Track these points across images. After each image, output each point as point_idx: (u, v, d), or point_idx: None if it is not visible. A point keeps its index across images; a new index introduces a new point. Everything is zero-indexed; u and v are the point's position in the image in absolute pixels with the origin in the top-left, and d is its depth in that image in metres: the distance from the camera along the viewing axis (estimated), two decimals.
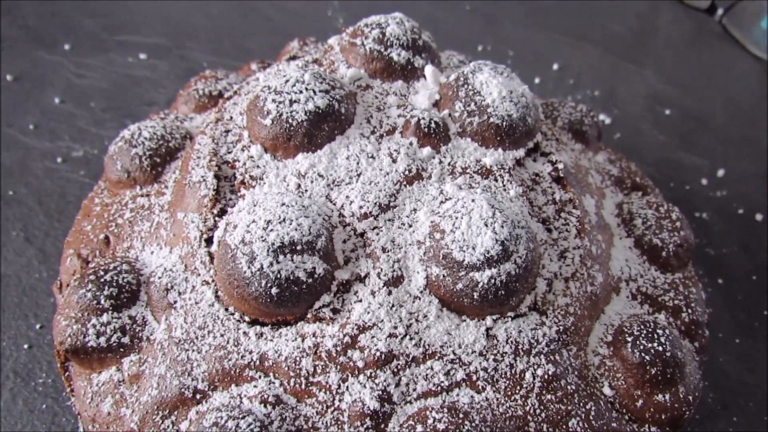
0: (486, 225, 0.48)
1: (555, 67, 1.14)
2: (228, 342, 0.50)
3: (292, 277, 0.47)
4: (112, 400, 0.51)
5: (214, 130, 0.59)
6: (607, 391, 0.53)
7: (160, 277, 0.54)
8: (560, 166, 0.57)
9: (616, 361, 0.53)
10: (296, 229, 0.48)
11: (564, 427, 0.49)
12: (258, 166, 0.54)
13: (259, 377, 0.49)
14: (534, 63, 1.15)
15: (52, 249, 0.80)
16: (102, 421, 0.51)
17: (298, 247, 0.47)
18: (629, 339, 0.53)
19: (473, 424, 0.45)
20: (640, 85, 1.13)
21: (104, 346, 0.52)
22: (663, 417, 0.52)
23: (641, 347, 0.52)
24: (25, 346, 0.71)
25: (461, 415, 0.46)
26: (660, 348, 0.52)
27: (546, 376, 0.50)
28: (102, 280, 0.53)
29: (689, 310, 0.59)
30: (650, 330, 0.53)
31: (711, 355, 0.78)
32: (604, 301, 0.57)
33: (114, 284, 0.53)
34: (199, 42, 1.10)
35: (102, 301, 0.52)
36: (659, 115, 1.08)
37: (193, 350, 0.50)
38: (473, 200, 0.50)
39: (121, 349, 0.52)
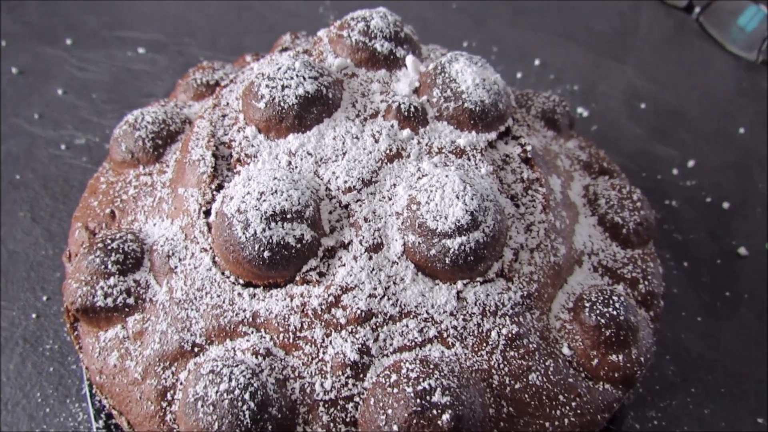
0: (457, 197, 0.53)
1: (537, 63, 1.19)
2: (224, 302, 0.55)
3: (282, 242, 0.52)
4: (117, 354, 0.56)
5: (212, 115, 0.65)
6: (566, 351, 0.58)
7: (162, 246, 0.59)
8: (528, 147, 0.63)
9: (576, 324, 0.59)
10: (287, 200, 0.53)
11: (524, 380, 0.55)
12: (252, 146, 0.60)
13: (252, 332, 0.54)
14: (517, 59, 1.20)
15: (57, 229, 0.85)
16: (108, 373, 0.56)
17: (288, 216, 0.53)
18: (587, 305, 0.59)
19: (442, 374, 0.51)
20: (619, 80, 1.19)
21: (111, 306, 0.57)
22: (616, 375, 0.58)
23: (597, 311, 0.58)
24: (33, 316, 0.76)
25: (432, 366, 0.51)
26: (614, 312, 0.58)
27: (510, 335, 0.55)
28: (109, 247, 0.59)
29: (646, 282, 0.65)
30: (606, 297, 0.59)
31: (674, 332, 0.83)
32: (567, 272, 0.62)
33: (120, 251, 0.59)
34: (195, 38, 1.15)
35: (109, 266, 0.58)
36: (636, 109, 1.13)
37: (192, 309, 0.55)
38: (447, 176, 0.55)
39: (126, 309, 0.57)
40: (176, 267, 0.58)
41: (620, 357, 0.58)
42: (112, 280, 0.58)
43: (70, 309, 0.58)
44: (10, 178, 0.90)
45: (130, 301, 0.57)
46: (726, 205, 0.99)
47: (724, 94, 1.18)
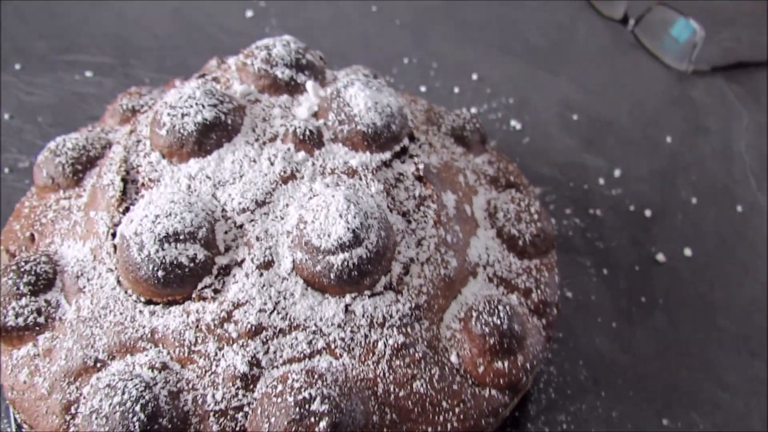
0: (340, 216, 0.57)
1: (475, 77, 1.23)
2: (126, 319, 0.59)
3: (175, 262, 0.56)
4: (27, 370, 0.60)
5: (127, 141, 0.68)
6: (453, 359, 0.61)
7: (72, 267, 0.63)
8: (420, 166, 0.67)
9: (464, 333, 0.62)
10: (180, 222, 0.57)
11: (409, 387, 0.58)
12: (156, 170, 0.64)
13: (150, 348, 0.58)
14: (455, 74, 1.23)
15: None
16: (18, 389, 0.60)
17: (181, 237, 0.56)
18: (474, 314, 0.62)
19: (324, 383, 0.54)
20: (553, 92, 1.22)
21: (22, 325, 0.60)
22: (502, 381, 0.61)
23: (483, 321, 0.61)
24: None
25: (316, 376, 0.55)
26: (498, 321, 0.61)
27: (396, 345, 0.59)
28: (22, 269, 0.62)
29: (539, 291, 0.68)
30: (493, 307, 0.62)
31: (589, 338, 0.87)
32: (461, 283, 0.66)
33: (32, 273, 0.62)
34: (143, 60, 1.18)
35: (21, 287, 0.61)
36: (568, 121, 1.16)
37: (96, 327, 0.59)
38: (333, 196, 0.59)
39: (37, 328, 0.61)
40: (84, 287, 0.61)
41: (505, 364, 0.62)
42: (23, 301, 0.61)
43: None
44: None
45: (41, 320, 0.61)
46: (648, 212, 1.02)
47: (654, 104, 1.22)
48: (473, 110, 1.17)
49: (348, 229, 0.57)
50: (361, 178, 0.64)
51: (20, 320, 0.60)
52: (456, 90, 1.21)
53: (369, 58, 1.25)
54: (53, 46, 1.18)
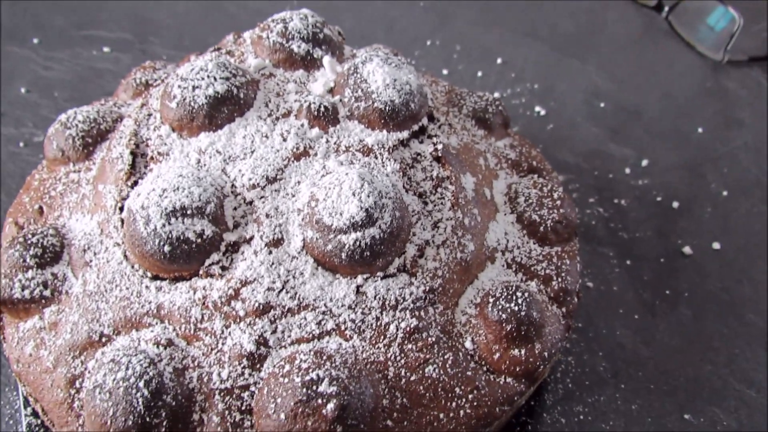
0: (354, 194, 0.55)
1: (499, 61, 1.20)
2: (132, 294, 0.57)
3: (182, 237, 0.55)
4: (33, 343, 0.59)
5: (138, 114, 0.67)
6: (468, 344, 0.59)
7: (79, 240, 0.61)
8: (439, 146, 0.64)
9: (480, 319, 0.60)
10: (187, 197, 0.55)
11: (420, 372, 0.56)
12: (165, 144, 0.62)
13: (156, 323, 0.56)
14: (479, 58, 1.21)
15: None
16: (24, 362, 0.59)
17: (188, 212, 0.55)
18: (491, 300, 0.60)
19: (333, 365, 0.52)
20: (580, 79, 1.18)
21: (28, 297, 0.59)
22: (518, 369, 0.59)
23: (499, 307, 0.59)
24: None
25: (324, 357, 0.53)
26: (516, 308, 0.59)
27: (408, 329, 0.57)
28: (29, 242, 0.61)
29: (559, 279, 0.66)
30: (510, 293, 0.60)
31: (609, 329, 0.84)
32: (478, 268, 0.63)
33: (39, 245, 0.61)
34: (161, 37, 1.17)
35: (27, 260, 0.60)
36: (594, 108, 1.13)
37: (102, 301, 0.58)
38: (347, 173, 0.57)
39: (43, 301, 0.60)
40: (91, 260, 0.60)
41: (522, 351, 0.59)
42: (30, 273, 0.60)
43: None
44: None
45: (47, 293, 0.60)
46: (675, 204, 0.99)
47: (685, 94, 1.18)
48: (496, 94, 1.14)
49: (361, 208, 0.55)
50: (376, 157, 0.62)
51: (26, 293, 0.59)
52: (479, 74, 1.18)
53: (391, 39, 1.22)
54: (72, 21, 1.18)
